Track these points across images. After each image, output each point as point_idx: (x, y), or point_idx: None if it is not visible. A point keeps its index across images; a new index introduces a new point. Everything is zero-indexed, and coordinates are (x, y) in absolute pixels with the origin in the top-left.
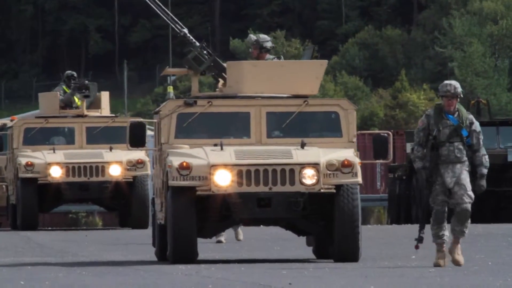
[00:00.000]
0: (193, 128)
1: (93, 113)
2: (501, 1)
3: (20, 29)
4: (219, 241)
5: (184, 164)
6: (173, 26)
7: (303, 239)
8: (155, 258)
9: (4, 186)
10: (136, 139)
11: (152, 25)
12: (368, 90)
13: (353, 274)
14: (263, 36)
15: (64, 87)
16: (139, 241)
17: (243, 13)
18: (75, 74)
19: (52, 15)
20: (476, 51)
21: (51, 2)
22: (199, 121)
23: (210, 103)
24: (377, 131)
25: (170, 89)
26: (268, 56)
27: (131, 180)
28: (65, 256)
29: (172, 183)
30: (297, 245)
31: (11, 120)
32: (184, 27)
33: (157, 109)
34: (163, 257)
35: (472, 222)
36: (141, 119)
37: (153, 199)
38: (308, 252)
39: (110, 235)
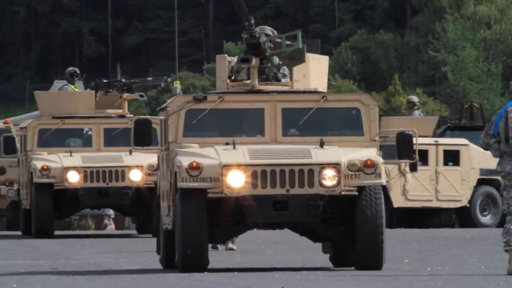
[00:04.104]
0: (203, 125)
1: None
2: (495, 5)
3: (13, 32)
4: (215, 247)
5: (194, 164)
6: (242, 13)
7: (296, 242)
8: (150, 262)
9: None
10: (142, 137)
11: (146, 28)
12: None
13: (345, 278)
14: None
15: (71, 85)
16: (133, 245)
17: (236, 16)
18: (78, 70)
19: (45, 18)
20: (469, 56)
21: (44, 4)
22: (209, 118)
23: (221, 98)
24: (401, 129)
25: (177, 84)
26: None
27: (153, 185)
28: (58, 259)
29: (181, 184)
30: (289, 248)
31: (4, 123)
32: (250, 16)
33: (164, 105)
34: (169, 265)
35: (467, 226)
36: (147, 116)
37: (157, 202)
38: (300, 255)
39: (105, 239)
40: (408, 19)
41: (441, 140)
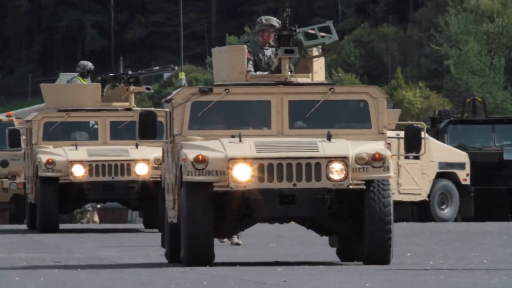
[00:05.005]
0: (209, 118)
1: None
2: None
3: (16, 25)
4: (221, 242)
5: (200, 157)
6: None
7: (298, 236)
8: (153, 256)
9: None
10: (147, 130)
11: (149, 22)
12: None
13: (348, 271)
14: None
15: (80, 78)
16: (136, 239)
17: (239, 10)
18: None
19: (48, 11)
20: (472, 49)
21: None
22: (215, 110)
23: (227, 90)
24: (409, 122)
25: (182, 75)
26: None
27: (159, 179)
28: (60, 253)
29: (186, 178)
30: (292, 242)
31: (7, 116)
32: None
33: (169, 97)
34: (174, 259)
35: (468, 220)
36: (152, 109)
37: (162, 195)
38: (303, 249)
39: (109, 233)
40: (411, 12)
41: (402, 133)
